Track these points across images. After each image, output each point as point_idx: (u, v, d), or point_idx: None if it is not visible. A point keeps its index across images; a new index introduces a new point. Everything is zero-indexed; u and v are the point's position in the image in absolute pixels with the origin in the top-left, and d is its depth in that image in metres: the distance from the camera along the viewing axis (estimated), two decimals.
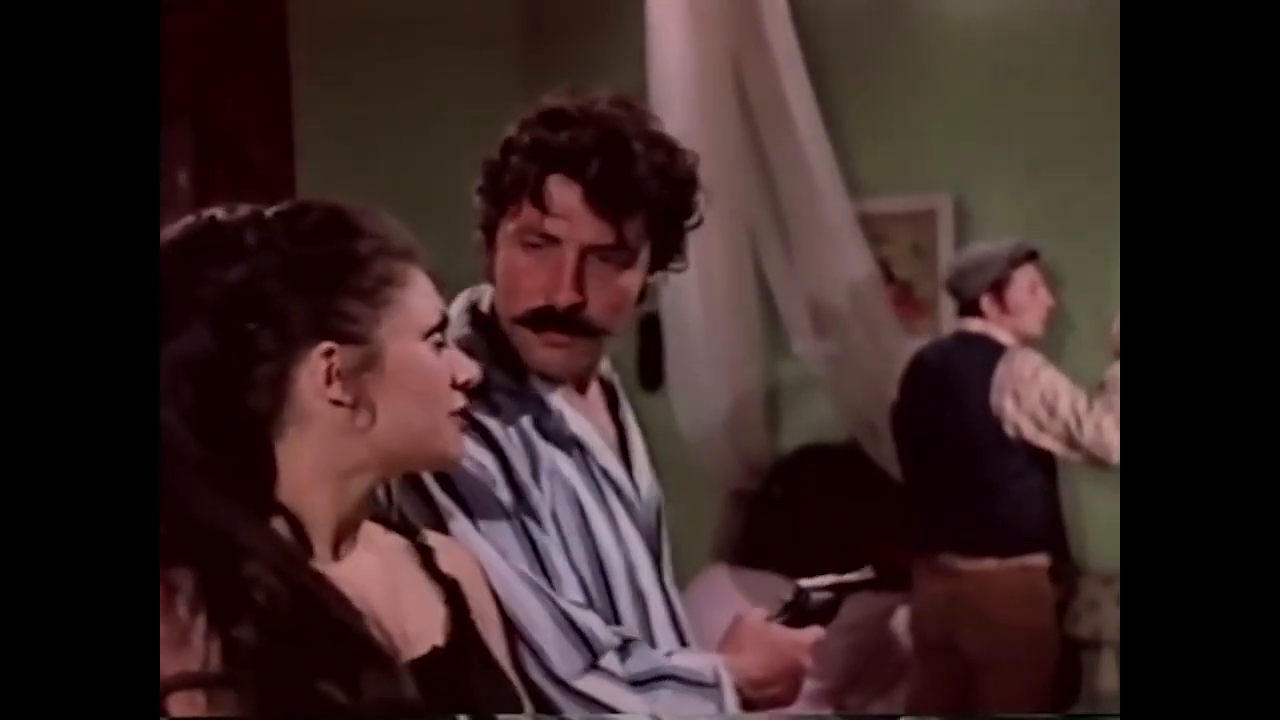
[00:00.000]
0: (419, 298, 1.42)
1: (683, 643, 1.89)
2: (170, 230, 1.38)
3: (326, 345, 1.36)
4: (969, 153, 4.69)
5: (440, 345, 1.44)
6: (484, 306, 1.86)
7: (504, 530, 1.71)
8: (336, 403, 1.37)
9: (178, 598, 1.26)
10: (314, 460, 1.38)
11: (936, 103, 4.73)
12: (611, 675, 1.72)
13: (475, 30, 5.07)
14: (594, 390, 1.93)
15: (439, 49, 4.87)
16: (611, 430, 1.93)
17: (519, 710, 1.49)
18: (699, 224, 1.87)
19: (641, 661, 1.75)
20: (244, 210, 1.40)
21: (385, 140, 4.56)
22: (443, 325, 1.45)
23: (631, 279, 1.80)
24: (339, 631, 1.31)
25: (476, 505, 1.71)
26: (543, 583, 1.71)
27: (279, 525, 1.37)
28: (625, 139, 1.75)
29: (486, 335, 1.83)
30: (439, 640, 1.44)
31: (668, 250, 1.85)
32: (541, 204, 1.75)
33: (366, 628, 1.32)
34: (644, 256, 1.81)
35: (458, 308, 1.86)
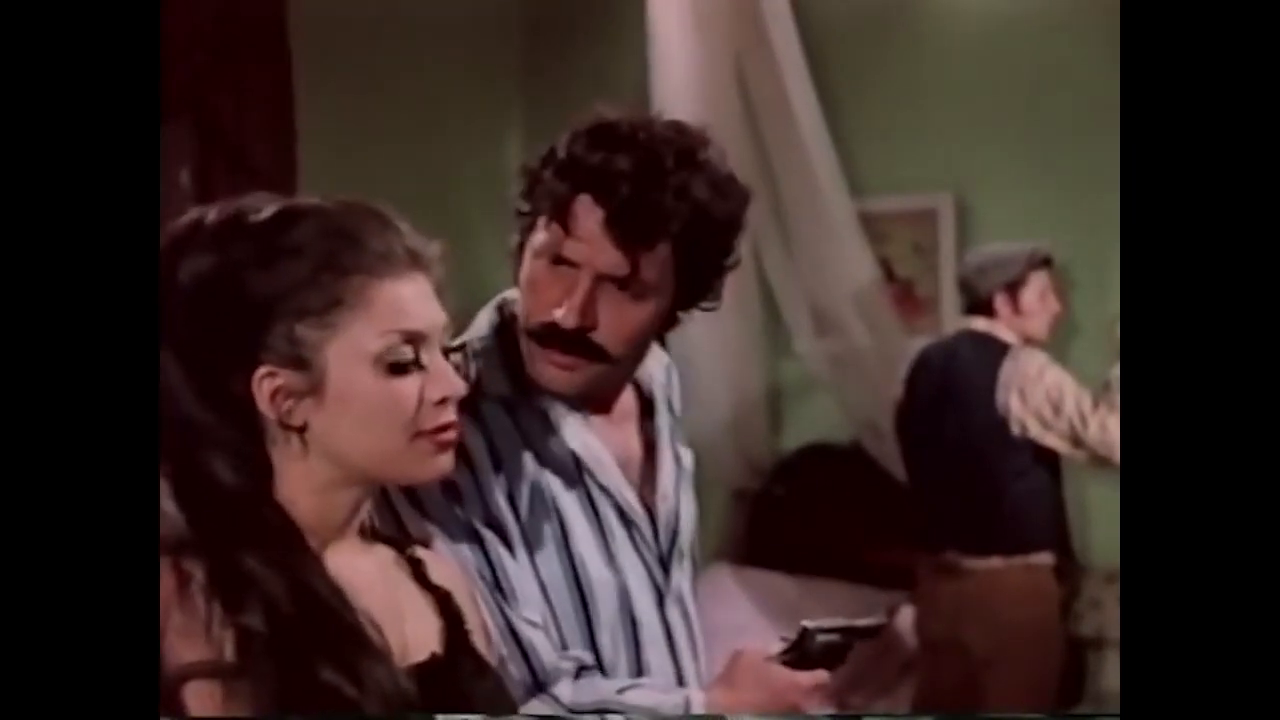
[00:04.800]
0: (373, 319, 1.36)
1: (680, 674, 1.84)
2: (173, 225, 1.38)
3: (266, 369, 1.35)
4: (970, 152, 4.70)
5: (406, 366, 1.38)
6: (514, 310, 1.81)
7: (460, 542, 1.68)
8: (280, 424, 1.36)
9: (191, 586, 1.28)
10: (298, 471, 1.38)
11: (938, 102, 4.73)
12: (555, 701, 1.69)
13: (477, 30, 5.08)
14: (627, 406, 1.88)
15: (441, 47, 4.88)
16: (637, 448, 1.87)
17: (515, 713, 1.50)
18: (736, 265, 1.80)
19: (589, 692, 1.71)
20: (227, 212, 1.38)
21: (387, 139, 4.56)
22: (402, 349, 1.38)
23: (647, 311, 1.74)
24: (337, 622, 1.32)
25: (434, 515, 1.68)
26: (496, 598, 1.68)
27: (277, 525, 1.37)
28: (662, 169, 1.68)
29: (506, 342, 1.80)
30: (437, 648, 1.44)
31: (699, 287, 1.78)
32: (565, 224, 1.70)
33: (361, 621, 1.33)
34: (667, 289, 1.74)
35: (487, 310, 1.84)
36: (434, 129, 4.80)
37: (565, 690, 1.70)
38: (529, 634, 1.69)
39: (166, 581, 1.28)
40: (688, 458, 1.95)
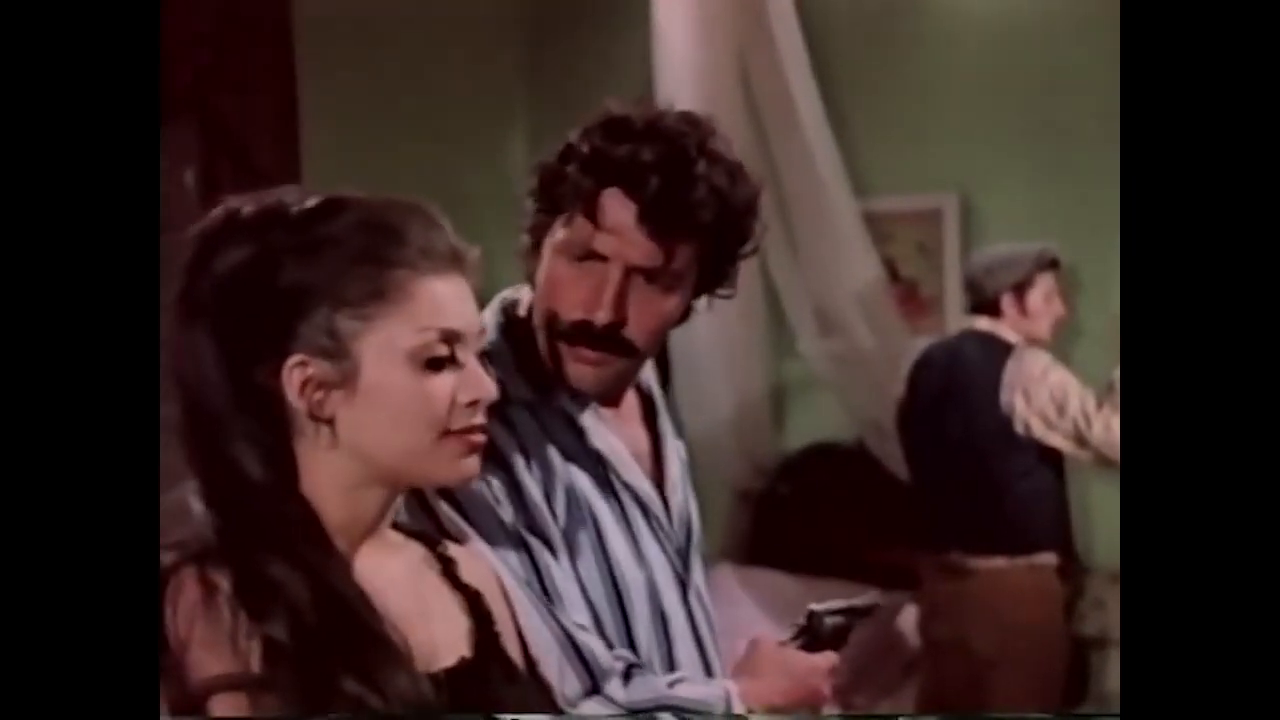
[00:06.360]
0: (411, 314, 1.35)
1: (707, 665, 1.85)
2: (206, 219, 1.38)
3: (298, 358, 1.34)
4: (975, 152, 4.69)
5: (441, 364, 1.38)
6: (521, 310, 1.80)
7: (506, 549, 1.67)
8: (310, 416, 1.35)
9: (218, 597, 1.27)
10: (324, 469, 1.37)
11: (942, 102, 4.73)
12: (611, 702, 1.68)
13: (481, 27, 5.08)
14: (630, 401, 1.88)
15: (445, 46, 4.88)
16: (645, 443, 1.88)
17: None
18: (755, 252, 1.81)
19: (643, 689, 1.71)
20: (264, 203, 1.37)
21: (391, 137, 4.56)
22: (438, 346, 1.37)
23: (673, 302, 1.75)
24: (361, 628, 1.31)
25: (478, 522, 1.67)
26: (546, 604, 1.68)
27: (301, 518, 1.36)
28: (688, 159, 1.68)
29: (516, 343, 1.78)
30: (466, 651, 1.43)
31: (717, 276, 1.80)
32: (594, 218, 1.69)
33: (383, 627, 1.32)
34: (691, 279, 1.75)
35: (491, 310, 1.82)
36: (438, 126, 4.81)
37: (618, 690, 1.70)
38: (583, 638, 1.69)
39: (191, 592, 1.27)
40: (682, 450, 1.96)
